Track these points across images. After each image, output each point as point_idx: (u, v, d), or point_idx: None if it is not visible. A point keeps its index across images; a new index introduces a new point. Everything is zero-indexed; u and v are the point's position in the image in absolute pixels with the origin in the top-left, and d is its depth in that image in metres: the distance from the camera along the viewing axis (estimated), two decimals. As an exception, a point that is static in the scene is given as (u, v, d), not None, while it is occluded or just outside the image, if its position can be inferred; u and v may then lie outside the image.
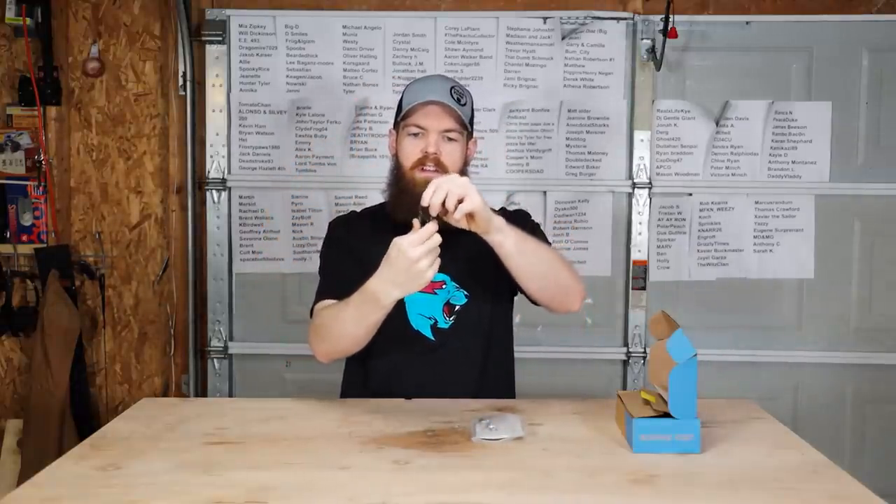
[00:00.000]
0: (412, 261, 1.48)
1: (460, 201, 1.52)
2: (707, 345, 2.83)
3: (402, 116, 1.80)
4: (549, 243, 1.89)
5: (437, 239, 1.49)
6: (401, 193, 1.79)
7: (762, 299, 2.97)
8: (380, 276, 1.54)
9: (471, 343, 1.81)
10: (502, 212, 1.98)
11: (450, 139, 1.77)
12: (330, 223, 1.96)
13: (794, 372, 2.97)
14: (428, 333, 1.81)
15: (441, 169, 1.74)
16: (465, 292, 1.83)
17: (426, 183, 1.72)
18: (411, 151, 1.77)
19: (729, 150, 2.95)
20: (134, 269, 3.04)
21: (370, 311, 1.60)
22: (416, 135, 1.77)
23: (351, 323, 1.64)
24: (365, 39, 2.93)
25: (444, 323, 1.81)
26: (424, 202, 1.51)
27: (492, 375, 1.85)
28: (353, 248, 1.83)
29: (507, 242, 1.61)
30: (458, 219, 1.54)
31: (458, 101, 1.77)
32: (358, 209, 2.05)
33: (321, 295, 1.80)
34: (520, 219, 1.92)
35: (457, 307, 1.81)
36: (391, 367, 1.81)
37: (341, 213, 2.05)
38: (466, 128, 1.80)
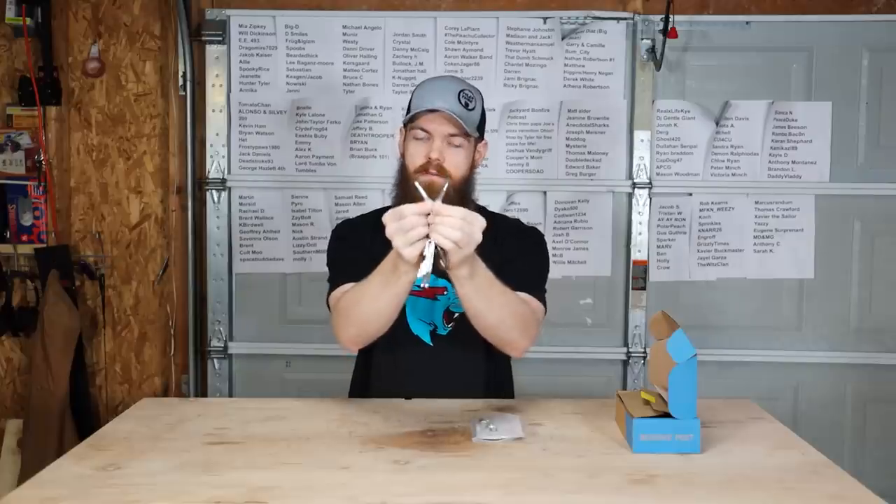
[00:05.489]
0: (392, 214, 1.45)
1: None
2: (707, 345, 2.83)
3: (409, 119, 1.79)
4: (547, 274, 1.85)
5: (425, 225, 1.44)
6: (405, 197, 1.78)
7: (762, 299, 2.97)
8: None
9: (469, 352, 1.79)
10: (516, 223, 1.97)
11: (455, 145, 1.75)
12: (337, 225, 1.96)
13: (794, 372, 2.97)
14: (427, 339, 1.80)
15: (444, 175, 1.72)
16: None
17: (428, 189, 1.72)
18: (416, 155, 1.76)
19: (729, 150, 2.95)
20: (134, 269, 3.04)
21: (392, 277, 1.54)
22: (421, 138, 1.76)
23: (373, 297, 1.60)
24: (365, 39, 2.93)
25: (443, 330, 1.80)
26: (426, 200, 1.46)
27: (492, 385, 1.83)
28: (359, 246, 1.82)
29: (465, 287, 1.54)
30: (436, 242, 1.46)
31: (466, 105, 1.74)
32: (358, 209, 2.06)
33: (335, 282, 1.78)
34: (527, 237, 1.89)
35: (456, 315, 1.79)
36: (393, 370, 1.81)
37: (347, 218, 2.04)
38: (473, 134, 1.77)
